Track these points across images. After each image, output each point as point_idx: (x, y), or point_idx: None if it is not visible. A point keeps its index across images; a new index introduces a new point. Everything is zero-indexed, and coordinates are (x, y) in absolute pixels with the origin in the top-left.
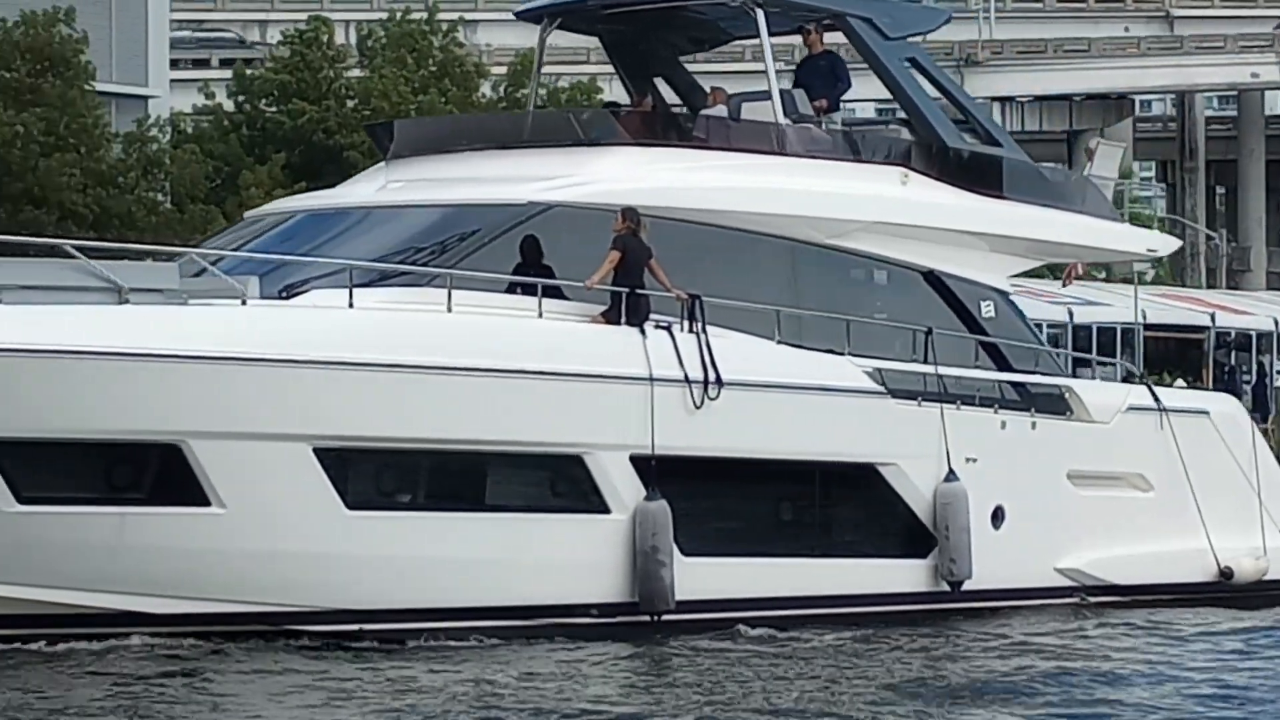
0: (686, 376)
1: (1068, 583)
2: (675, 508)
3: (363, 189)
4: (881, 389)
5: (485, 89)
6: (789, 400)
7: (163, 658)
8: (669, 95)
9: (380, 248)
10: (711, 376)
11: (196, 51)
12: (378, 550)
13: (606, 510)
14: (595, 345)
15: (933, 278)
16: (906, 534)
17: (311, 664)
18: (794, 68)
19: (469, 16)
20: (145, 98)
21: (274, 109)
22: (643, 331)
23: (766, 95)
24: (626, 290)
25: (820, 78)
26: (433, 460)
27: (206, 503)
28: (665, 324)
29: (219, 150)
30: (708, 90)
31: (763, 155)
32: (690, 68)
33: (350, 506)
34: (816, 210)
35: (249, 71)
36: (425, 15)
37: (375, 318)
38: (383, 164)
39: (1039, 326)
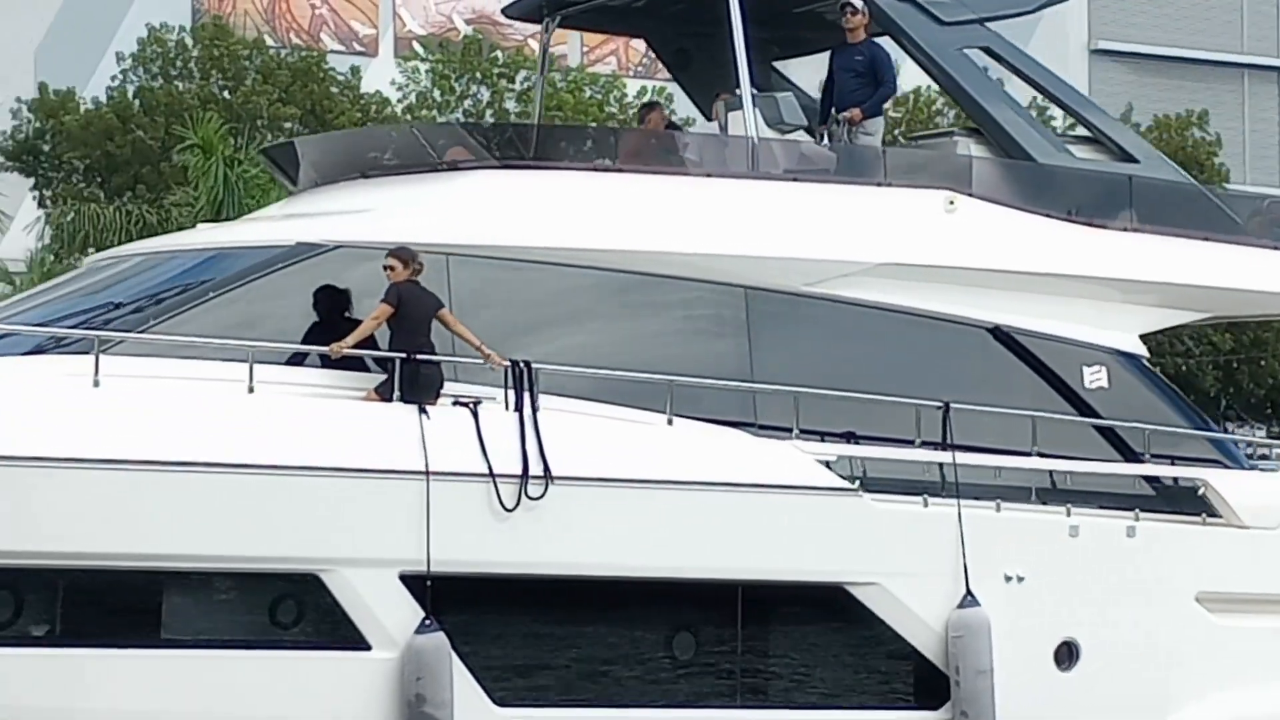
0: (491, 470)
1: None
2: (482, 642)
3: (223, 230)
4: (847, 484)
5: None
6: (675, 499)
7: None
8: None
9: (99, 302)
10: (535, 469)
11: None
12: None
13: (363, 646)
14: (334, 428)
15: (1003, 335)
16: (900, 678)
17: None
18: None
19: None
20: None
21: None
22: (423, 410)
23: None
24: (401, 356)
25: (854, 77)
26: (70, 581)
27: None
28: (470, 401)
29: None
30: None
31: (723, 179)
32: None
33: None
34: (779, 249)
35: None
36: None
37: None
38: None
39: None
